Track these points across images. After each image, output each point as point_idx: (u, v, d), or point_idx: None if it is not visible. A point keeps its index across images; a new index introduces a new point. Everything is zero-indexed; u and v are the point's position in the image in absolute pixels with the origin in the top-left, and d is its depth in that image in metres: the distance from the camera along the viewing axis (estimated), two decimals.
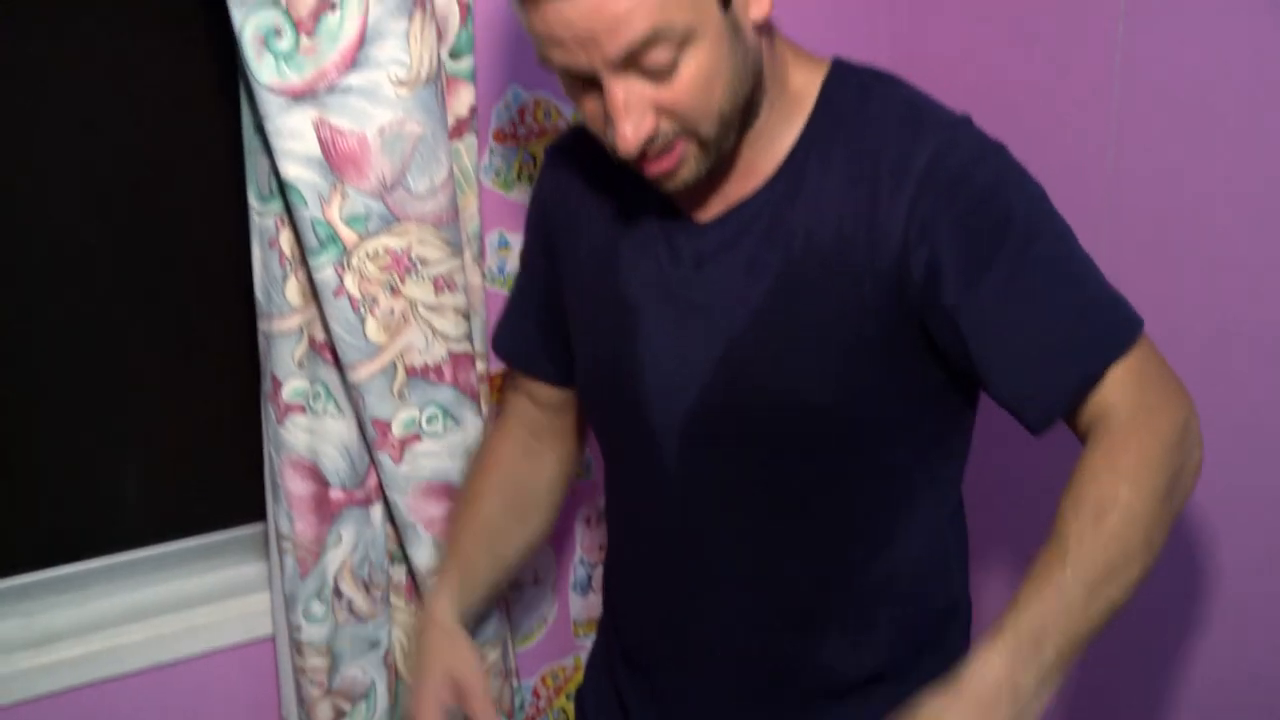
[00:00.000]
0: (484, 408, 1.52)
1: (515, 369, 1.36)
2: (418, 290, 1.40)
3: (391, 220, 1.36)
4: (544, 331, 1.29)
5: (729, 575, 1.15)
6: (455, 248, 1.42)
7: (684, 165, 1.01)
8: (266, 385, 1.45)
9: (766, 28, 1.02)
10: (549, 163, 1.28)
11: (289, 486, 1.46)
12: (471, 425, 1.48)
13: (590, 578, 1.84)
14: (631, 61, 0.93)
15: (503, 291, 1.61)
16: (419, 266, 1.39)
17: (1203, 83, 1.41)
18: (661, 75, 0.94)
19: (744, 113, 1.01)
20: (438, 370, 1.44)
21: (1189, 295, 1.46)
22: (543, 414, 1.36)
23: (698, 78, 0.95)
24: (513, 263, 1.60)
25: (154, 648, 1.58)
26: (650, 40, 0.91)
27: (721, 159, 1.03)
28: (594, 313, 1.19)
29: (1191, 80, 1.42)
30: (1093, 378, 0.98)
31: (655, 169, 1.00)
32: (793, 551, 1.12)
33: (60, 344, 1.61)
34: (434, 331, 1.42)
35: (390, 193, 1.35)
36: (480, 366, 1.51)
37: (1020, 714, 0.89)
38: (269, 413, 1.46)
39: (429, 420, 1.44)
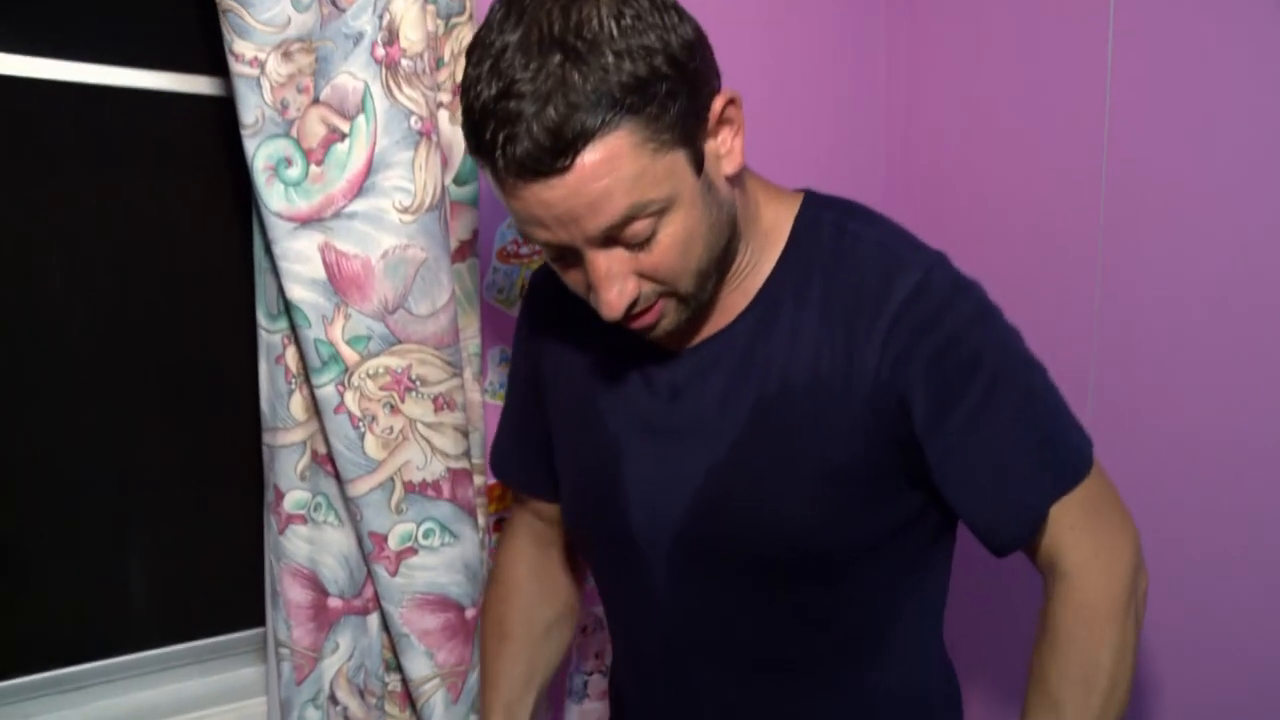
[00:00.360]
0: (481, 521, 1.54)
1: (517, 491, 1.40)
2: (417, 409, 1.43)
3: (393, 341, 1.40)
4: (540, 454, 1.32)
5: (725, 681, 1.17)
6: (455, 367, 1.46)
7: (664, 319, 1.05)
8: (269, 495, 1.48)
9: (738, 175, 1.05)
10: (530, 297, 1.32)
11: (288, 594, 1.48)
12: (469, 540, 1.50)
13: (586, 685, 1.85)
14: (612, 237, 0.96)
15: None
16: (419, 385, 1.42)
17: (1187, 176, 1.50)
18: (641, 245, 0.98)
19: (721, 261, 1.05)
20: (436, 486, 1.47)
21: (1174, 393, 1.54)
22: (549, 527, 1.40)
23: (676, 243, 0.98)
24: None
25: None
26: (629, 218, 0.95)
27: (699, 309, 1.07)
28: (576, 444, 1.23)
29: (1176, 176, 1.51)
30: (1042, 513, 1.05)
31: (637, 324, 1.04)
32: (783, 666, 1.14)
33: (72, 451, 1.65)
34: (433, 449, 1.45)
35: (392, 315, 1.39)
36: (478, 481, 1.54)
37: None
38: (270, 522, 1.48)
39: (425, 535, 1.47)
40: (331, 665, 1.52)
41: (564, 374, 1.24)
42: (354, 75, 1.33)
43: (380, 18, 1.34)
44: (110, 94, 1.54)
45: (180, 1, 1.55)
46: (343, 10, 1.33)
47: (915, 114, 1.95)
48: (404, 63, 1.35)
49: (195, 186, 1.67)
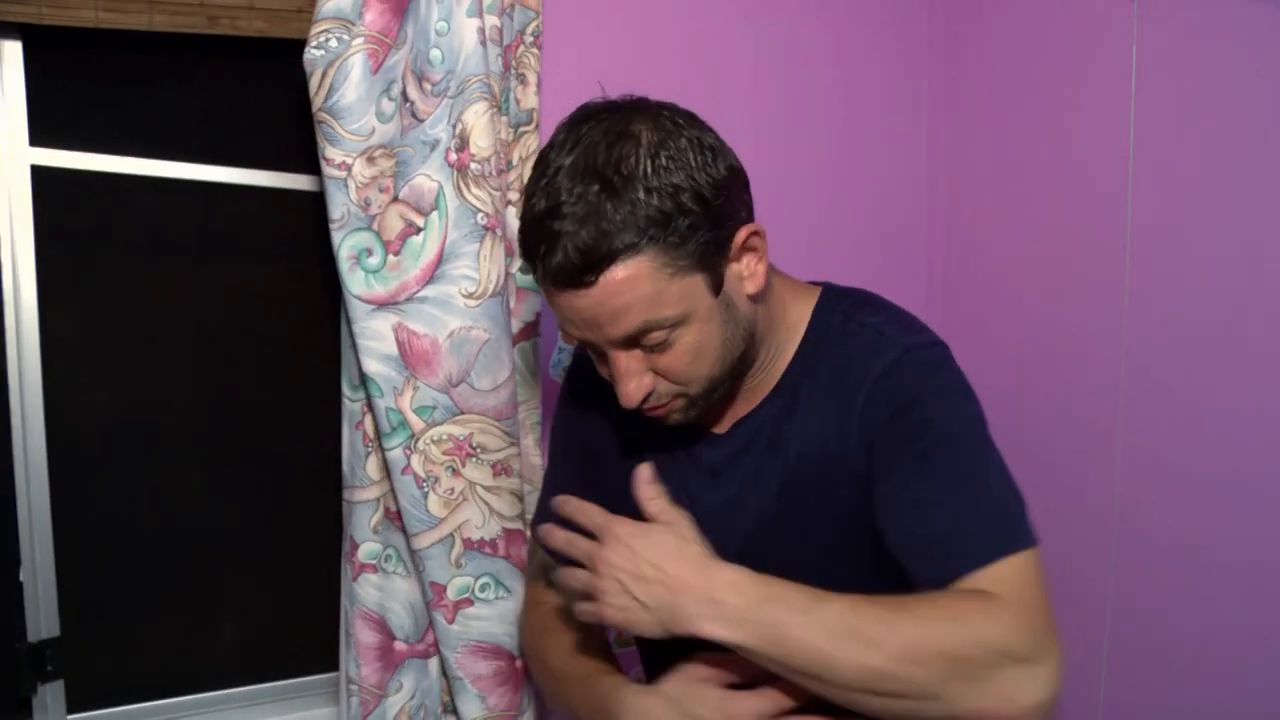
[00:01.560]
0: None
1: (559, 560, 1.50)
2: (477, 473, 1.59)
3: (456, 411, 1.56)
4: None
5: None
6: (513, 437, 1.62)
7: (674, 413, 1.20)
8: (346, 546, 1.65)
9: (761, 293, 1.18)
10: (576, 375, 1.45)
11: (359, 636, 1.64)
12: (520, 595, 1.64)
13: None
14: (631, 341, 1.11)
15: None
16: (479, 452, 1.58)
17: (1211, 253, 1.57)
18: (658, 350, 1.12)
19: (736, 367, 1.18)
20: (492, 544, 1.62)
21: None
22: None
23: (688, 352, 1.12)
24: None
25: None
26: (644, 330, 1.09)
27: (712, 407, 1.21)
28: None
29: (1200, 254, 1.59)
30: (954, 575, 1.05)
31: (651, 413, 1.19)
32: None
33: (173, 506, 1.84)
34: (490, 510, 1.61)
35: (455, 388, 1.56)
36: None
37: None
38: (346, 570, 1.65)
39: (482, 588, 1.62)
40: (395, 703, 1.67)
41: (616, 449, 1.37)
42: (430, 177, 1.52)
43: (454, 127, 1.52)
44: (219, 190, 1.76)
45: (282, 113, 1.76)
46: (421, 120, 1.52)
47: (955, 200, 2.07)
48: (473, 166, 1.53)
49: (292, 269, 1.88)
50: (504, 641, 1.63)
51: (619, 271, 1.05)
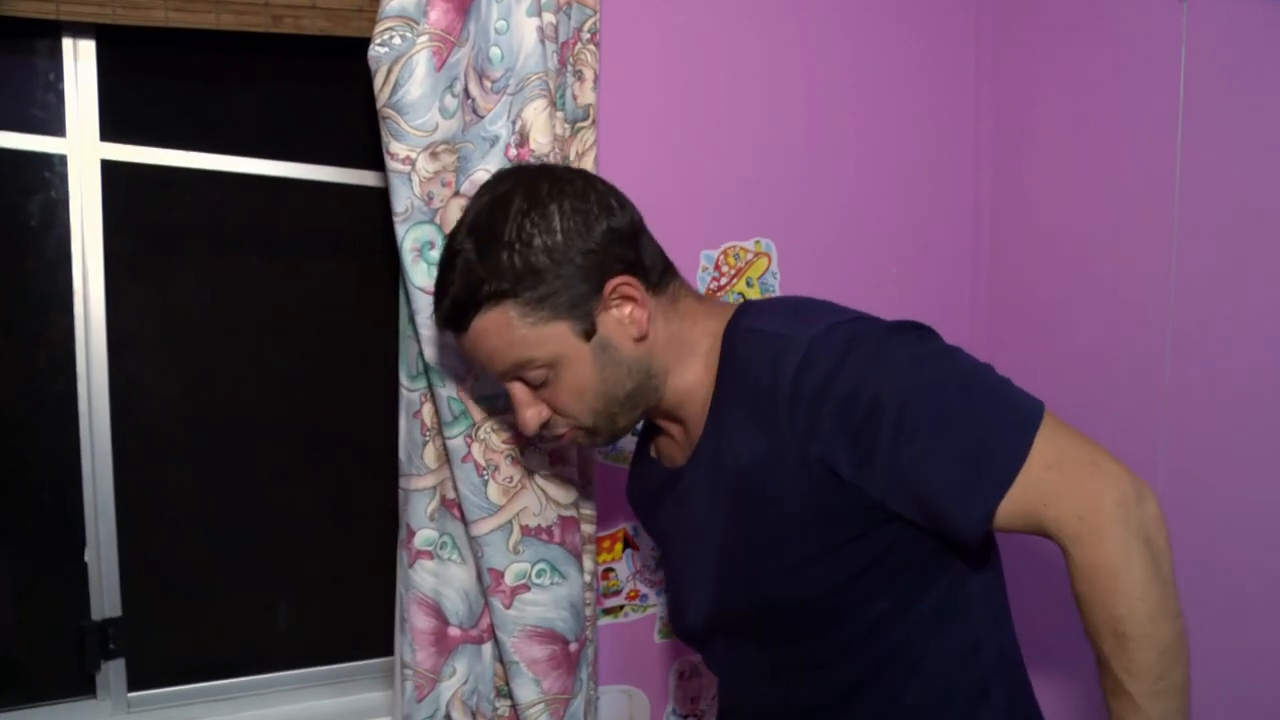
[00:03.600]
0: (588, 565, 1.72)
1: None
2: (535, 461, 1.63)
3: None
4: None
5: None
6: None
7: (574, 442, 1.35)
8: (402, 533, 1.68)
9: (647, 334, 1.25)
10: (628, 498, 1.56)
11: (414, 621, 1.67)
12: (575, 580, 1.68)
13: None
14: (516, 375, 1.24)
15: (613, 465, 1.86)
16: (538, 441, 1.62)
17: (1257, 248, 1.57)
18: (542, 386, 1.24)
19: (630, 398, 1.27)
20: (549, 531, 1.66)
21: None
22: None
23: (568, 389, 1.24)
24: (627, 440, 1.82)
25: None
26: (517, 367, 1.23)
27: (620, 429, 1.30)
28: (666, 574, 1.50)
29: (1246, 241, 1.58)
30: (986, 515, 1.09)
31: (554, 439, 1.34)
32: (819, 710, 1.28)
33: (237, 494, 1.90)
34: (547, 497, 1.65)
35: None
36: (586, 529, 1.72)
37: None
38: (402, 557, 1.68)
39: (538, 574, 1.65)
40: (449, 687, 1.71)
41: (658, 540, 1.50)
42: (489, 172, 1.53)
43: (514, 123, 1.56)
44: (282, 185, 1.81)
45: (347, 109, 1.81)
46: (482, 117, 1.56)
47: (1001, 215, 2.08)
48: (532, 161, 1.56)
49: (354, 263, 1.92)
50: (558, 626, 1.67)
51: (483, 322, 1.20)
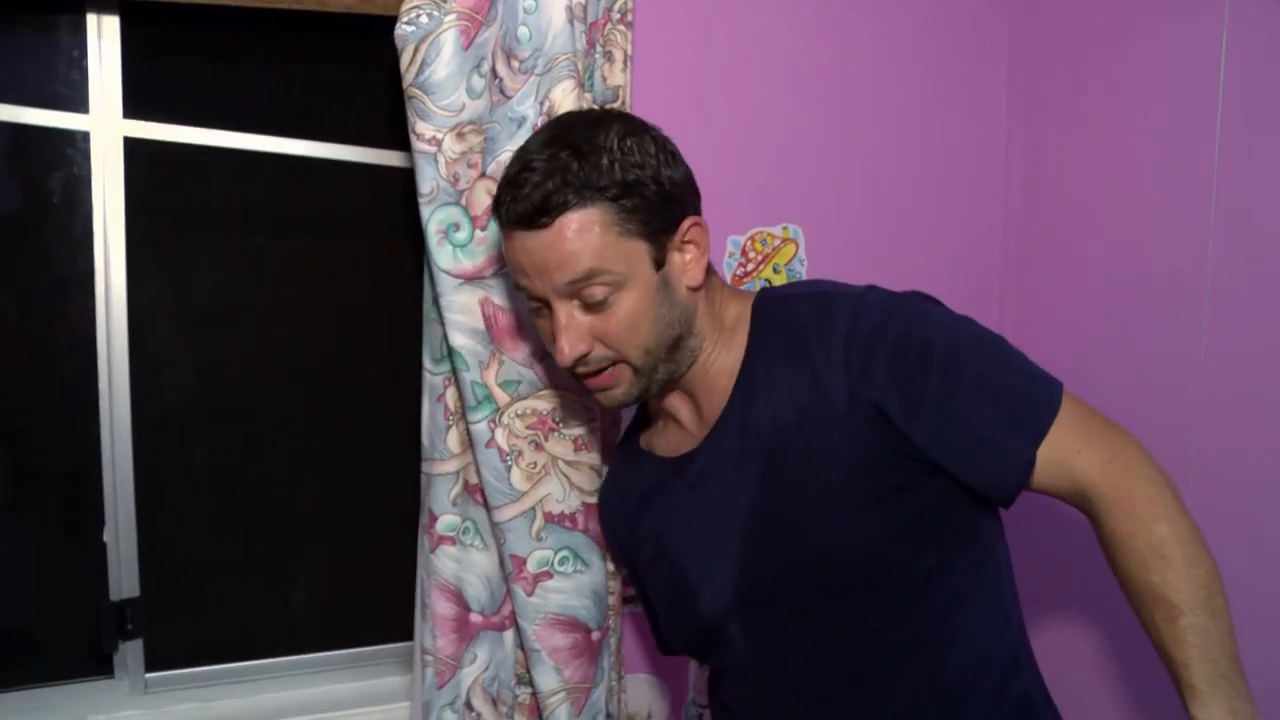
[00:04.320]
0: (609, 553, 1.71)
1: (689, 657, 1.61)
2: (559, 447, 1.61)
3: (540, 386, 1.58)
4: None
5: (820, 709, 1.31)
6: (594, 413, 1.63)
7: (618, 386, 1.29)
8: (424, 518, 1.67)
9: (699, 289, 1.28)
10: (601, 515, 1.57)
11: (435, 607, 1.66)
12: (598, 568, 1.66)
13: (700, 717, 1.98)
14: (574, 292, 1.21)
15: None
16: (561, 427, 1.60)
17: None
18: (597, 308, 1.21)
19: (673, 350, 1.27)
20: (572, 518, 1.64)
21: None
22: None
23: (626, 316, 1.22)
24: None
25: None
26: (588, 277, 1.19)
27: (654, 386, 1.29)
28: (660, 584, 1.44)
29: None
30: (1028, 459, 1.18)
31: (594, 383, 1.29)
32: (866, 679, 1.27)
33: (257, 478, 1.89)
34: (571, 484, 1.63)
35: (540, 363, 1.57)
36: None
37: None
38: (424, 542, 1.67)
39: (561, 561, 1.64)
40: (469, 674, 1.69)
41: (645, 547, 1.45)
42: None
43: (541, 104, 1.53)
44: (306, 165, 1.79)
45: (373, 88, 1.78)
46: (509, 97, 1.53)
47: (1033, 204, 2.05)
48: None
49: (376, 245, 1.90)
50: (580, 614, 1.65)
51: (573, 217, 1.18)
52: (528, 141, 1.26)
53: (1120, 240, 1.83)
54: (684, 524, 1.35)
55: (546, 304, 1.24)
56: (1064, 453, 1.16)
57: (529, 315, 1.32)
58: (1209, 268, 1.65)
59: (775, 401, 1.25)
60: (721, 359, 1.31)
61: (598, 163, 1.18)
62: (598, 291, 1.20)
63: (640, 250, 1.21)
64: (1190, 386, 1.68)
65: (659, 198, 1.21)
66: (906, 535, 1.22)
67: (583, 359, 1.24)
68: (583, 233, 1.18)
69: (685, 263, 1.26)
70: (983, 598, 1.28)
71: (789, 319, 1.27)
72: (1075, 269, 1.94)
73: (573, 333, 1.22)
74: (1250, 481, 1.59)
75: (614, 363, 1.25)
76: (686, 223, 1.25)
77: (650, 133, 1.25)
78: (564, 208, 1.17)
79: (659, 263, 1.22)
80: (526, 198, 1.18)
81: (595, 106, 1.62)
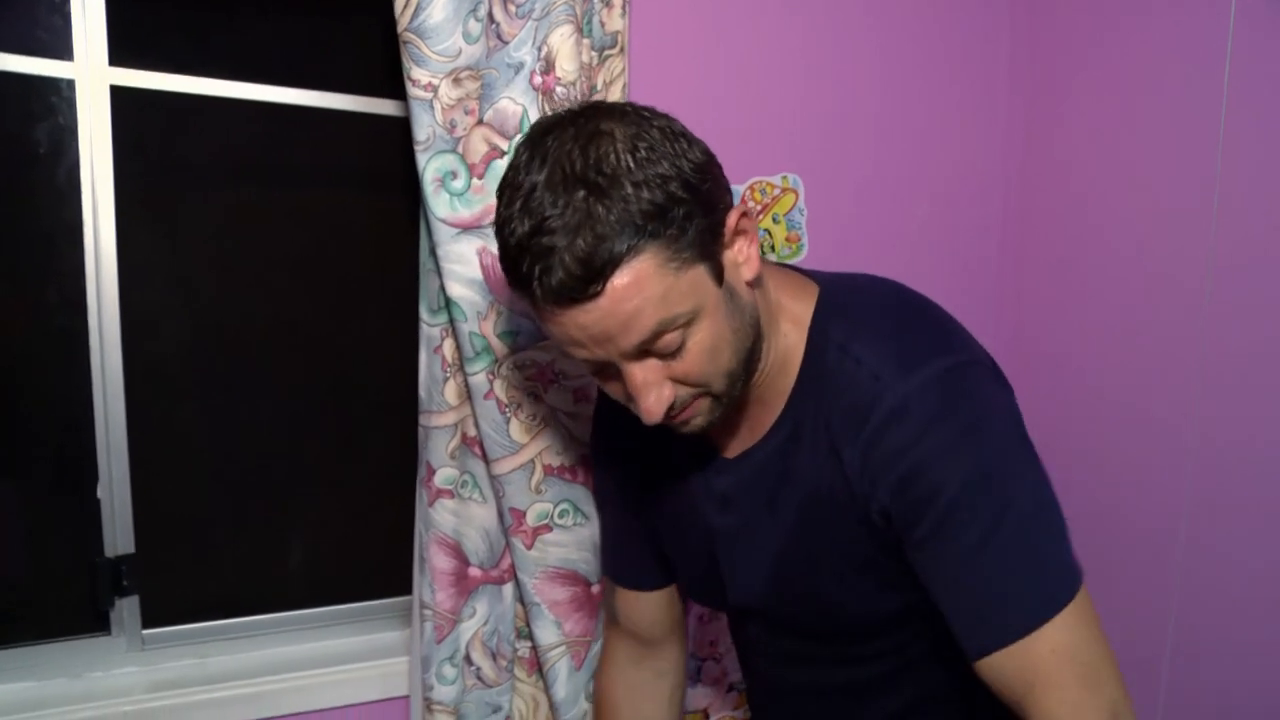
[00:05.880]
0: None
1: (628, 589, 1.50)
2: (558, 398, 1.59)
3: (539, 337, 1.56)
4: (645, 553, 1.46)
5: (821, 701, 1.33)
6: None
7: (699, 416, 1.12)
8: (422, 471, 1.65)
9: (757, 278, 1.12)
10: (596, 425, 1.45)
11: (434, 561, 1.65)
12: (597, 521, 1.65)
13: (700, 670, 1.98)
14: (645, 350, 1.03)
15: None
16: (560, 378, 1.58)
17: None
18: (673, 354, 1.05)
19: (748, 361, 1.12)
20: (572, 470, 1.62)
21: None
22: (643, 646, 1.54)
23: (704, 350, 1.05)
24: None
25: (304, 696, 1.76)
26: (659, 332, 1.02)
27: (734, 402, 1.14)
28: (677, 541, 1.38)
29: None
30: (990, 649, 1.05)
31: (675, 421, 1.12)
32: (868, 692, 1.29)
33: (251, 431, 1.86)
34: (571, 436, 1.61)
35: None
36: None
37: None
38: (422, 495, 1.66)
39: (560, 514, 1.62)
40: (469, 629, 1.69)
41: (646, 482, 1.37)
42: (514, 100, 1.50)
43: (539, 50, 1.50)
44: (297, 114, 1.75)
45: (367, 34, 1.75)
46: (506, 43, 1.50)
47: (1031, 195, 2.03)
48: (558, 90, 1.51)
49: (370, 196, 1.87)
50: (581, 568, 1.64)
51: (624, 276, 0.98)
52: (519, 185, 1.01)
53: (1120, 186, 1.81)
54: (704, 526, 1.30)
55: (612, 365, 1.07)
56: (1019, 675, 1.04)
57: (591, 375, 1.13)
58: (1210, 265, 1.63)
59: (813, 465, 1.15)
60: (775, 376, 1.18)
61: (623, 193, 0.97)
62: (672, 341, 1.03)
63: (700, 274, 1.03)
64: (1190, 385, 1.67)
65: (699, 203, 1.01)
66: (922, 598, 1.13)
67: (671, 409, 1.09)
68: (639, 287, 0.98)
69: (738, 259, 1.09)
70: None
71: (840, 388, 1.12)
72: (1074, 222, 1.93)
73: (653, 390, 1.06)
74: (1249, 477, 1.58)
75: (695, 397, 1.10)
76: (733, 217, 1.07)
77: (654, 122, 1.03)
78: (611, 267, 0.97)
79: (719, 277, 1.05)
80: (562, 268, 0.97)
81: (594, 52, 1.59)
